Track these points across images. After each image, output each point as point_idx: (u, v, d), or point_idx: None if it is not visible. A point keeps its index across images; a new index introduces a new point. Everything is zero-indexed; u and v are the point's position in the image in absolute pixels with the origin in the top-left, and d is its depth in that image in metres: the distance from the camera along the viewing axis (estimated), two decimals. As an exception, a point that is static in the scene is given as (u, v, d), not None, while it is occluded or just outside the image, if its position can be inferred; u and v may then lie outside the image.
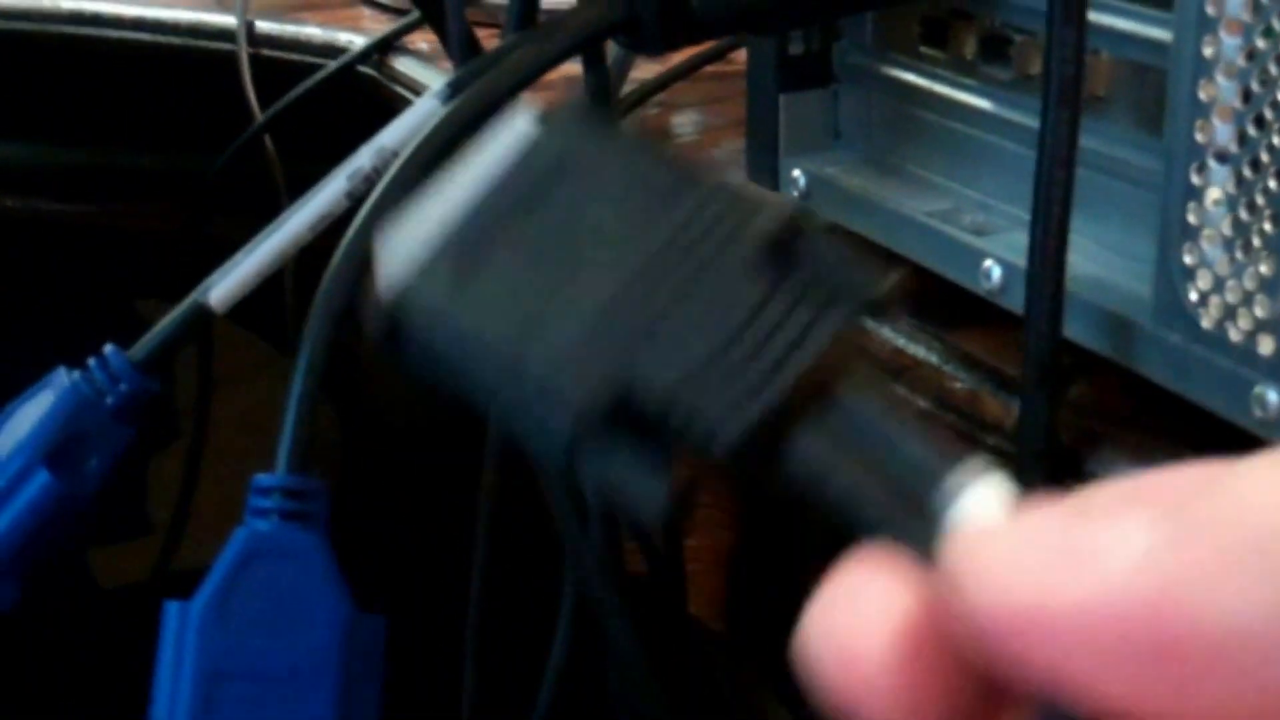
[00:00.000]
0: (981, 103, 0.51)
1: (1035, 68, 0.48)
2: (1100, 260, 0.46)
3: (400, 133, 0.45)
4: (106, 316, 1.25)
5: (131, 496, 1.34)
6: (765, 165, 0.58)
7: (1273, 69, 0.38)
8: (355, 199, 0.45)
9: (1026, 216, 0.44)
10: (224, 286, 0.45)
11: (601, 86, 0.53)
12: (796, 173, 0.56)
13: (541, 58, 0.45)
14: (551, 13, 0.54)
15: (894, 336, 0.50)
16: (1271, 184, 0.38)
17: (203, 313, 0.45)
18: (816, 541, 0.92)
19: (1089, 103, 0.44)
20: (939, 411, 0.47)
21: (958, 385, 0.47)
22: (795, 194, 0.56)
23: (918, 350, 0.49)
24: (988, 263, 0.48)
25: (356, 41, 0.91)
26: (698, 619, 0.86)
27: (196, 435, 1.09)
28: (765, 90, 0.57)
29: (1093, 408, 0.44)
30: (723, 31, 0.46)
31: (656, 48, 0.46)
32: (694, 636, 0.67)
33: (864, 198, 0.54)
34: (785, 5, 0.46)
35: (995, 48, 0.50)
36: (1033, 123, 0.47)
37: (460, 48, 0.50)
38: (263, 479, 0.40)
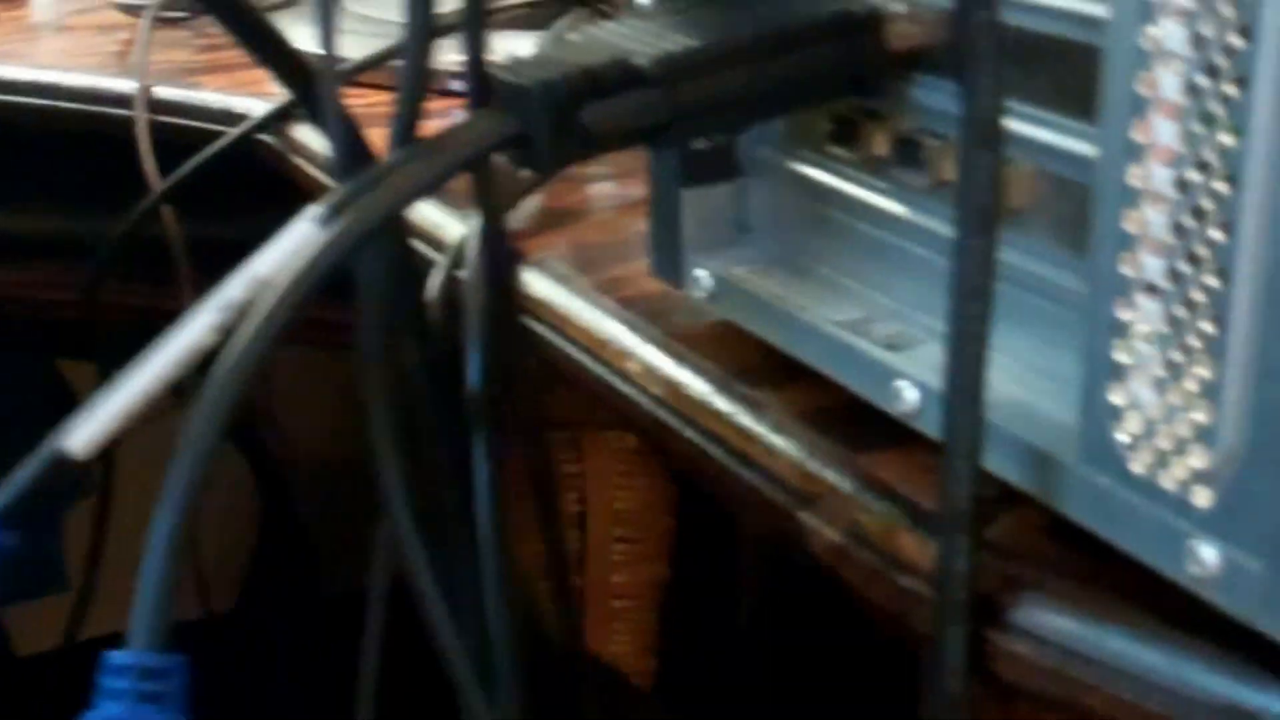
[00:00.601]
0: (895, 207, 0.48)
1: (951, 174, 0.45)
2: (1021, 380, 0.43)
3: (274, 260, 0.42)
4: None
5: (47, 551, 1.30)
6: (669, 263, 0.55)
7: (1206, 203, 0.35)
8: (226, 331, 0.42)
9: (943, 328, 0.41)
10: (85, 431, 0.42)
11: (487, 198, 0.50)
12: (701, 273, 0.53)
13: (428, 176, 0.42)
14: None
15: (804, 459, 0.47)
16: (1207, 327, 0.35)
17: (63, 460, 0.42)
18: (750, 570, 0.90)
19: (1005, 215, 0.41)
20: (852, 546, 0.44)
21: (871, 518, 0.44)
22: (700, 295, 0.53)
23: (828, 475, 0.46)
24: (900, 383, 0.45)
25: (256, 108, 0.88)
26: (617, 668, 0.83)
27: (102, 496, 1.06)
28: (667, 185, 0.54)
29: (1016, 549, 0.41)
30: (617, 147, 0.43)
31: (547, 165, 0.43)
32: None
33: (771, 303, 0.51)
34: (680, 120, 0.43)
35: (909, 151, 0.47)
36: (949, 232, 0.45)
37: (341, 159, 0.47)
38: (116, 657, 0.36)
